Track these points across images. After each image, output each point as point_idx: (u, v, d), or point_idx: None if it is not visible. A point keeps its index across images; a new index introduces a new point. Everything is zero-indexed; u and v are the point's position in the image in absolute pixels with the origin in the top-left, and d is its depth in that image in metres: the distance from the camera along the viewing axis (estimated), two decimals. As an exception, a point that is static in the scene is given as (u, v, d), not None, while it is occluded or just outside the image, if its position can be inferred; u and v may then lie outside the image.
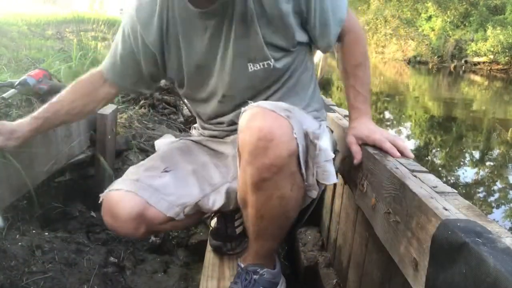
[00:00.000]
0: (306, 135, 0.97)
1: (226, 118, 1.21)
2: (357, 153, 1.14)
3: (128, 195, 1.08)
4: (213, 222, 1.55)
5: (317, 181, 1.04)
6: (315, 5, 1.04)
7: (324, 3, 1.06)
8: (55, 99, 1.22)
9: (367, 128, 1.15)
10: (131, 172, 1.19)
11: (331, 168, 1.04)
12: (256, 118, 0.92)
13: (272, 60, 1.07)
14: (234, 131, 1.12)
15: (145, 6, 1.10)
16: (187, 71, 1.15)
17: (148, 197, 1.08)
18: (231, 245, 1.42)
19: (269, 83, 1.13)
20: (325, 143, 1.02)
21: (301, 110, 1.11)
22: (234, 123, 1.17)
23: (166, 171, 1.15)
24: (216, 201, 1.13)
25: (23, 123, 1.16)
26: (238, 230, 1.41)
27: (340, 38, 1.18)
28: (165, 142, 1.36)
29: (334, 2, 1.09)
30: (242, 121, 0.95)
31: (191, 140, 1.32)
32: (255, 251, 1.14)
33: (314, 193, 1.07)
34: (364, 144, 1.15)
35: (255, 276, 1.10)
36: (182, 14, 1.06)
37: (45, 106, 1.22)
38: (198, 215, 1.19)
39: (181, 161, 1.20)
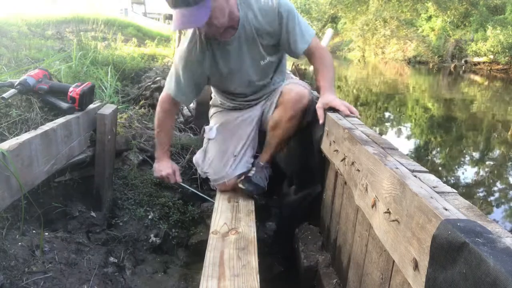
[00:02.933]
0: (312, 96, 1.85)
1: (246, 96, 1.98)
2: (321, 116, 1.67)
3: (232, 180, 1.93)
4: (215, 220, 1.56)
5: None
6: (288, 31, 1.73)
7: (295, 30, 1.73)
8: (162, 133, 1.96)
9: (330, 97, 1.70)
10: (220, 165, 1.93)
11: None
12: (294, 87, 1.85)
13: (268, 57, 1.82)
14: (251, 101, 2.01)
15: (191, 49, 1.76)
16: (225, 75, 1.83)
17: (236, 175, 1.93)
18: None
19: (270, 69, 1.91)
20: None
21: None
22: (251, 99, 2.00)
23: (235, 156, 1.93)
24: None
25: (168, 157, 2.04)
26: None
27: (310, 55, 1.84)
28: (215, 128, 2.04)
29: (303, 30, 1.76)
30: (286, 88, 1.86)
31: (224, 120, 2.04)
32: (271, 155, 1.96)
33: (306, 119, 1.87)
34: (328, 109, 1.67)
35: (265, 170, 1.96)
36: (215, 45, 1.74)
37: (163, 140, 1.98)
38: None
39: (237, 143, 1.96)
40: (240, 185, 1.89)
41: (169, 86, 1.86)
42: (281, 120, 1.83)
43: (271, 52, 1.82)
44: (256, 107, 2.03)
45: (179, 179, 2.00)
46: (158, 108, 1.93)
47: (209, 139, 2.01)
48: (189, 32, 1.76)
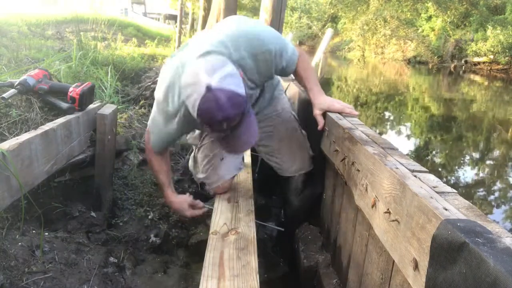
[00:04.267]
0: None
1: None
2: (321, 122, 1.63)
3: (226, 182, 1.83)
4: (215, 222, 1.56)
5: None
6: (276, 68, 1.54)
7: (281, 65, 1.54)
8: (161, 175, 1.73)
9: (325, 101, 1.63)
10: (210, 170, 1.83)
11: None
12: (284, 125, 1.86)
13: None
14: None
15: (168, 124, 1.52)
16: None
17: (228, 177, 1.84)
18: None
19: (254, 96, 1.71)
20: None
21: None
22: None
23: (222, 159, 1.81)
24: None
25: (175, 193, 1.78)
26: None
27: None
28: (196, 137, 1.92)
29: (289, 58, 1.56)
30: (277, 125, 1.85)
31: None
32: None
33: None
34: (327, 112, 1.63)
35: None
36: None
37: (163, 181, 1.74)
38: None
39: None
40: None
41: (152, 139, 1.64)
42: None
43: (254, 87, 1.60)
44: None
45: (199, 210, 1.77)
46: (148, 157, 1.75)
47: (195, 145, 1.93)
48: (168, 83, 1.44)
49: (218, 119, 1.18)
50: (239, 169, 1.88)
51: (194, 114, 1.21)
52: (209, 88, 1.14)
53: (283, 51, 1.52)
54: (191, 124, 1.48)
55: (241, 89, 1.21)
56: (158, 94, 1.49)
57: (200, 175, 1.87)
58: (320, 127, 1.63)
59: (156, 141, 1.63)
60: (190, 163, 2.00)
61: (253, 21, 1.59)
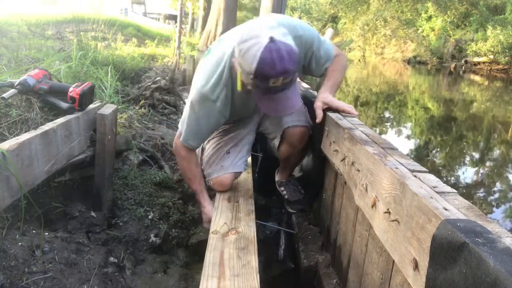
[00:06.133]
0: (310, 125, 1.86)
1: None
2: (320, 115, 1.64)
3: (226, 175, 1.84)
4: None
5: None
6: (313, 58, 1.62)
7: (319, 54, 1.61)
8: (195, 180, 1.80)
9: (330, 97, 1.67)
10: (215, 160, 1.86)
11: None
12: (296, 130, 1.83)
13: None
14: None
15: (217, 97, 1.53)
16: (235, 114, 1.69)
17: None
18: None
19: None
20: None
21: None
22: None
23: (228, 153, 1.86)
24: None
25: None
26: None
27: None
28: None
29: (325, 51, 1.63)
30: (289, 131, 1.82)
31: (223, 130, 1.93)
32: (289, 173, 2.10)
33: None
34: (328, 109, 1.66)
35: (291, 183, 2.08)
36: (236, 95, 1.56)
37: (198, 187, 1.80)
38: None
39: (230, 141, 1.88)
40: (290, 210, 2.06)
41: (185, 135, 1.65)
42: (291, 154, 1.91)
43: None
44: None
45: None
46: (177, 157, 1.81)
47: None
48: (211, 69, 1.50)
49: (278, 70, 1.20)
50: (242, 168, 1.88)
51: (253, 66, 1.22)
52: (272, 39, 1.19)
53: (322, 43, 1.61)
54: (231, 105, 1.57)
55: (295, 46, 1.25)
56: (199, 82, 1.52)
57: (204, 164, 1.90)
58: (318, 120, 1.64)
59: (192, 136, 1.65)
60: (197, 151, 2.01)
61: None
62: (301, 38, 1.52)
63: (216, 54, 1.52)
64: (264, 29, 1.23)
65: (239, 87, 1.39)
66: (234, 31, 1.58)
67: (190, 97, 1.58)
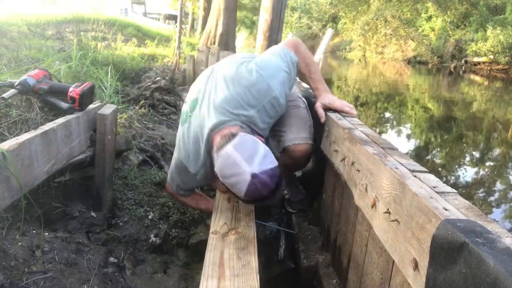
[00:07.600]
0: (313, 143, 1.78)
1: None
2: (322, 115, 1.68)
3: None
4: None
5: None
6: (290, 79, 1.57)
7: (289, 86, 1.57)
8: (200, 202, 1.91)
9: (328, 98, 1.70)
10: None
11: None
12: (298, 148, 1.71)
13: None
14: None
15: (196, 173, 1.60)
16: None
17: None
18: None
19: None
20: None
21: None
22: None
23: None
24: None
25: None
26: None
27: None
28: None
29: (288, 63, 1.57)
30: (291, 148, 1.71)
31: None
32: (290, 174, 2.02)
33: None
34: (327, 109, 1.68)
35: (291, 184, 2.09)
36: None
37: (205, 206, 1.88)
38: None
39: None
40: (291, 210, 2.10)
41: (175, 185, 1.76)
42: (293, 166, 1.84)
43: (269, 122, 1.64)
44: None
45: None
46: (179, 201, 1.94)
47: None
48: (190, 147, 1.56)
49: (265, 195, 1.26)
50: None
51: (241, 195, 1.27)
52: (254, 175, 1.21)
53: (285, 81, 1.54)
54: (212, 176, 1.57)
55: (275, 161, 1.28)
56: (181, 152, 1.60)
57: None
58: (322, 120, 1.67)
59: (181, 187, 1.75)
60: None
61: (247, 58, 1.59)
62: (268, 102, 1.48)
63: (194, 130, 1.52)
64: (243, 165, 1.22)
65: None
66: (203, 96, 1.53)
67: (175, 154, 1.65)
